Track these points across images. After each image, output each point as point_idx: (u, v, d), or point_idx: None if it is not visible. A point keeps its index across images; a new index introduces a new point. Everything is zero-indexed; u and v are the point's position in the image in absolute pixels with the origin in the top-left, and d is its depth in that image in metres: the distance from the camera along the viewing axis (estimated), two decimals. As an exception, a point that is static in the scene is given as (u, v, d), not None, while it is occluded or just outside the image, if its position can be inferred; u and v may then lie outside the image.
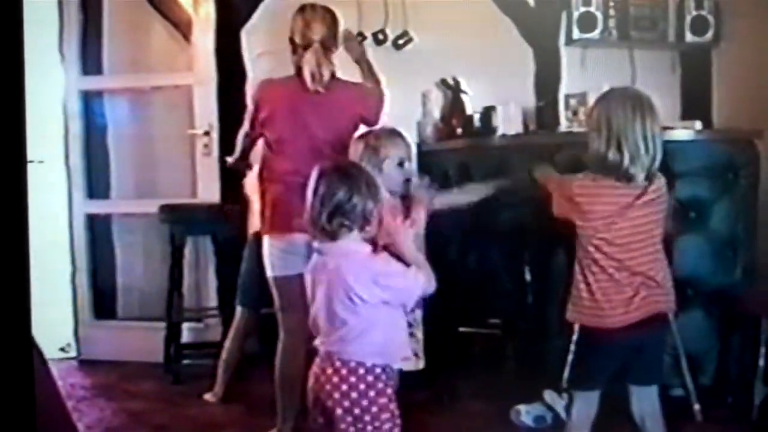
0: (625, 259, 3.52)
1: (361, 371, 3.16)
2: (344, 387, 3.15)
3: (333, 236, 3.17)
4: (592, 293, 3.54)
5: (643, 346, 3.60)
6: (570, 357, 3.61)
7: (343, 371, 3.16)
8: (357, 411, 3.15)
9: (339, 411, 3.15)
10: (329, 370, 3.18)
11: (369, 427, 3.17)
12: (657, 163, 3.54)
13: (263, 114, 4.41)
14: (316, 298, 3.26)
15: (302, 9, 4.49)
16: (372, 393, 3.17)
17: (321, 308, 3.23)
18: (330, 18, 4.48)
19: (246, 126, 4.60)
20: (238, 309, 5.50)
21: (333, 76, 4.39)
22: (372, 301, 3.16)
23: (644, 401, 3.67)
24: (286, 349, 4.39)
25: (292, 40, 4.47)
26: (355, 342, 3.17)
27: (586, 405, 3.69)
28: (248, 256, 5.35)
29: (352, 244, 3.19)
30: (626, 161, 3.47)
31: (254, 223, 5.18)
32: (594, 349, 3.57)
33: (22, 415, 1.80)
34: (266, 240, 4.42)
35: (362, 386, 3.16)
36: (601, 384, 3.64)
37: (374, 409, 3.16)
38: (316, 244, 3.26)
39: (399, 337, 3.36)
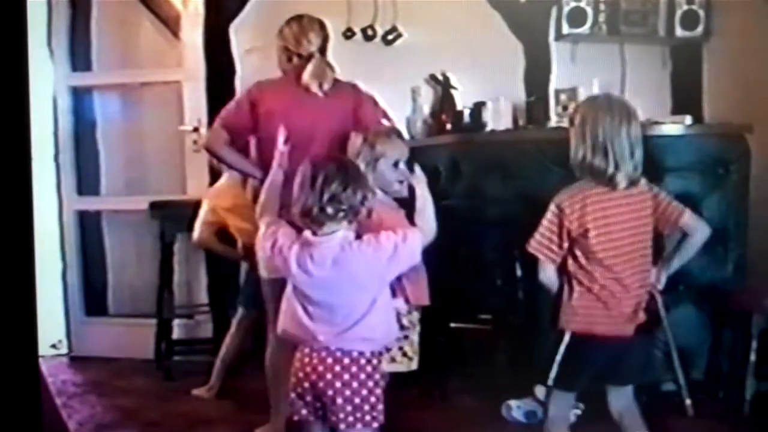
0: (613, 265, 3.53)
1: (363, 361, 3.26)
2: (346, 377, 3.24)
3: (326, 225, 3.21)
4: (584, 301, 3.55)
5: (630, 350, 3.61)
6: (558, 358, 3.61)
7: (345, 361, 3.25)
8: (357, 400, 3.23)
9: (340, 400, 3.22)
10: (329, 360, 3.24)
11: (367, 417, 3.23)
12: (639, 170, 3.56)
13: (262, 116, 4.36)
14: (309, 291, 3.27)
15: (298, 19, 4.48)
16: (371, 383, 3.26)
17: (317, 301, 3.26)
18: (323, 28, 4.48)
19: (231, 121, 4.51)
20: (241, 309, 5.48)
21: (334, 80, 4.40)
22: (385, 281, 3.30)
23: (620, 397, 3.69)
24: (278, 344, 4.38)
25: (286, 49, 4.45)
26: (356, 330, 3.23)
27: (565, 403, 3.72)
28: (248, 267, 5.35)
29: (347, 234, 3.24)
30: (611, 168, 3.49)
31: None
32: (584, 354, 3.58)
33: (27, 411, 1.81)
34: None
35: (363, 376, 3.25)
36: (583, 386, 3.67)
37: (372, 399, 3.25)
38: (308, 236, 3.26)
39: (393, 319, 3.45)
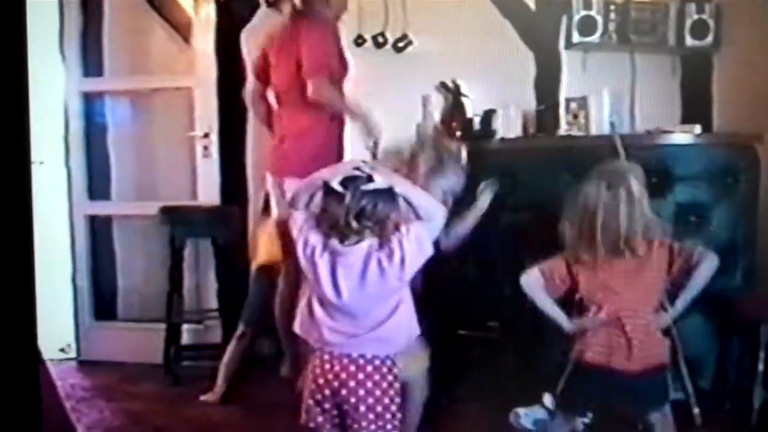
0: (623, 316, 3.58)
1: (385, 370, 3.25)
2: (369, 384, 3.23)
3: (351, 237, 3.20)
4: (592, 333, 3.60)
5: (637, 385, 3.66)
6: (561, 384, 3.65)
7: (368, 368, 3.23)
8: (379, 408, 3.23)
9: (363, 408, 3.22)
10: (352, 367, 3.23)
11: (389, 426, 3.23)
12: (651, 227, 3.60)
13: None
14: (334, 300, 3.25)
15: None
16: (392, 392, 3.26)
17: (341, 307, 3.24)
18: None
19: None
20: (241, 325, 5.50)
21: None
22: (405, 282, 3.26)
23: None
24: (287, 288, 4.53)
25: None
26: (377, 332, 3.24)
27: (565, 422, 3.76)
28: (255, 287, 5.40)
29: (372, 243, 3.21)
30: (622, 244, 3.54)
31: (258, 255, 5.26)
32: (588, 383, 3.62)
33: (27, 415, 1.81)
34: None
35: (385, 384, 3.25)
36: (586, 411, 3.70)
37: (393, 408, 3.27)
38: (335, 244, 3.23)
39: (414, 319, 3.39)
